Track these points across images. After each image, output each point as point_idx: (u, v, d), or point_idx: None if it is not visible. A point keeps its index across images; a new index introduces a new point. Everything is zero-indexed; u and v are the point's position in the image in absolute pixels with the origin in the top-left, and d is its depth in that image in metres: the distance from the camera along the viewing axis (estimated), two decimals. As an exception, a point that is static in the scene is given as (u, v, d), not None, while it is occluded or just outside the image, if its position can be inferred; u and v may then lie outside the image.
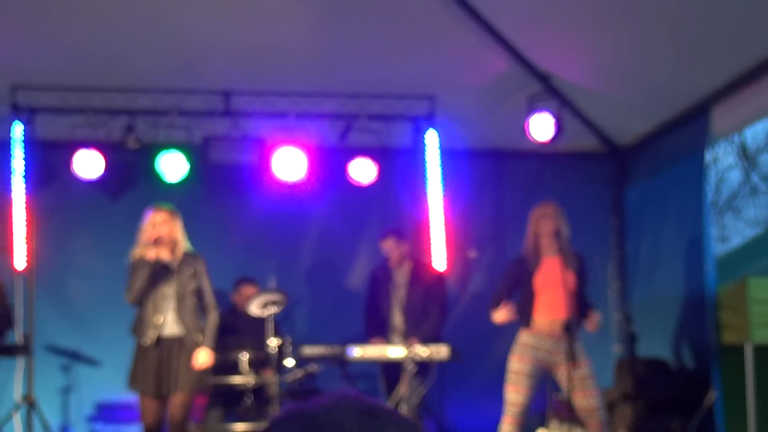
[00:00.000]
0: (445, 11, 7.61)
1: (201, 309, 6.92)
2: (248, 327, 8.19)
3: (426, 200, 8.59)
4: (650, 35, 7.13)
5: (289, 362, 7.98)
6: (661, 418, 7.53)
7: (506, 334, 7.27)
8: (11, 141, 8.24)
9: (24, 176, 8.29)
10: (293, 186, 8.46)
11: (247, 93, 8.27)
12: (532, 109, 8.10)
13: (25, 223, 8.26)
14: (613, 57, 7.74)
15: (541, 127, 8.08)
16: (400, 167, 8.72)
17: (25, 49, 7.90)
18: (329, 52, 7.99)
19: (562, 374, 7.05)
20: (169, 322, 6.76)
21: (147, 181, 8.48)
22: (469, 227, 8.74)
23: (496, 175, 8.87)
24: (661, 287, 8.38)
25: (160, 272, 6.76)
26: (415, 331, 8.01)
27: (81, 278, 8.64)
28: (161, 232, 6.77)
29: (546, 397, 7.59)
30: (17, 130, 8.20)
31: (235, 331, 8.08)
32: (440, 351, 7.83)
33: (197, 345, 6.80)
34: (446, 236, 8.56)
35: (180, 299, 6.79)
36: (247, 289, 8.38)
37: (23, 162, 8.29)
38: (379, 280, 8.41)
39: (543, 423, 7.41)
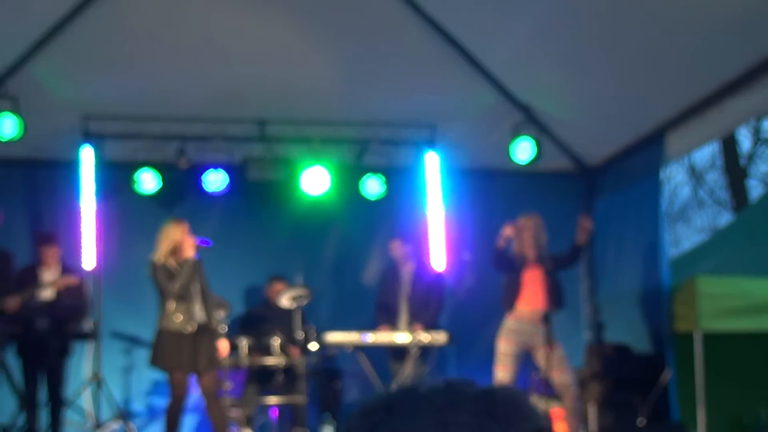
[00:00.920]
0: (444, 54, 7.65)
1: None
2: (279, 316, 8.19)
3: (427, 211, 8.62)
4: (614, 74, 7.15)
5: (313, 346, 8.00)
6: (624, 393, 7.52)
7: (494, 323, 7.29)
8: (82, 162, 8.24)
9: (93, 191, 8.30)
10: (317, 199, 8.49)
11: (279, 122, 8.28)
12: (515, 135, 8.10)
13: (94, 230, 8.30)
14: (584, 92, 7.75)
15: (523, 150, 8.09)
16: (406, 183, 8.71)
17: (96, 85, 7.91)
18: (348, 87, 8.01)
19: (540, 355, 7.09)
20: (197, 312, 6.86)
21: (195, 195, 8.49)
22: (463, 234, 8.73)
23: (485, 191, 8.85)
24: (624, 284, 8.39)
25: (187, 270, 6.85)
26: (418, 320, 8.04)
27: (140, 276, 8.60)
28: (190, 239, 6.90)
29: (528, 375, 7.63)
30: (88, 153, 8.23)
31: (267, 320, 8.10)
32: (439, 337, 7.87)
33: (216, 330, 6.97)
34: (444, 241, 8.59)
35: (203, 293, 6.90)
36: (277, 285, 8.40)
37: (92, 179, 8.29)
38: (388, 277, 8.44)
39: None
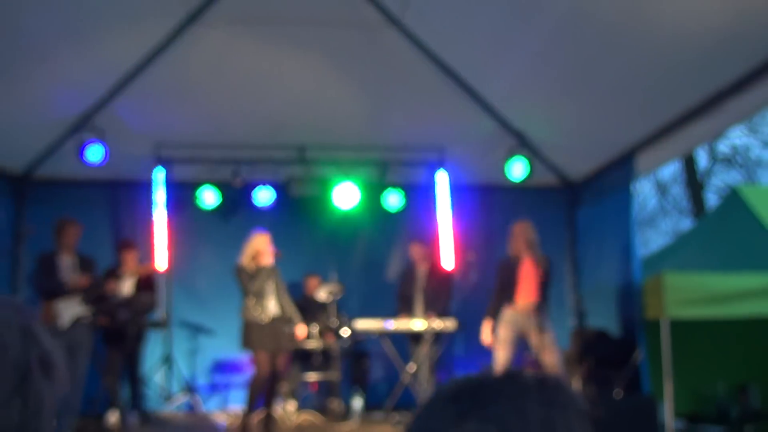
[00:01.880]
0: (450, 89, 7.67)
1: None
2: (316, 307, 8.24)
3: (438, 219, 8.61)
4: (593, 104, 7.14)
5: (345, 332, 8.03)
6: (603, 370, 7.50)
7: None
8: (155, 182, 8.34)
9: (164, 206, 8.38)
10: (347, 211, 8.51)
11: (315, 147, 8.28)
12: (510, 156, 8.10)
13: (165, 238, 8.37)
14: (568, 119, 7.73)
15: (517, 169, 8.08)
16: (420, 197, 8.70)
17: (166, 118, 8.00)
18: (371, 118, 8.02)
19: (533, 339, 7.09)
20: (274, 306, 6.89)
21: (247, 209, 8.52)
22: (468, 238, 8.73)
23: (486, 203, 8.83)
24: (603, 279, 8.36)
25: (265, 273, 6.90)
26: (432, 310, 8.05)
27: (202, 275, 8.68)
28: (269, 248, 6.95)
29: (522, 356, 7.62)
30: (159, 174, 8.31)
31: (307, 310, 8.11)
32: (449, 324, 7.88)
33: (289, 320, 7.00)
34: (452, 244, 8.59)
35: (277, 290, 6.94)
36: (313, 281, 8.46)
37: (163, 196, 8.36)
38: (407, 274, 8.46)
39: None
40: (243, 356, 7.92)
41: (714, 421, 7.92)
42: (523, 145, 8.25)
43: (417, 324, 7.94)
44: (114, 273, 7.60)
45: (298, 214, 8.62)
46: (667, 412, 6.68)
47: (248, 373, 7.51)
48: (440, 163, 8.51)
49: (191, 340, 8.41)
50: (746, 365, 8.15)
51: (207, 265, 8.63)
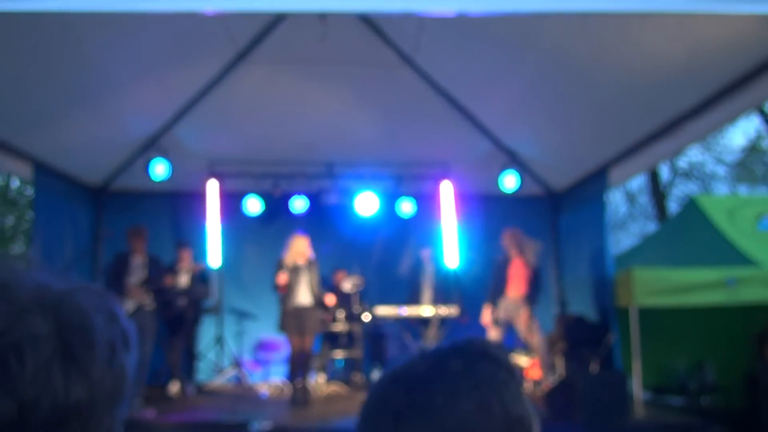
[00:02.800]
0: (453, 115, 7.71)
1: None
2: (343, 297, 8.24)
3: (444, 223, 8.60)
4: (573, 127, 7.14)
5: (367, 317, 8.05)
6: (581, 350, 7.47)
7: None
8: (208, 192, 8.37)
9: (216, 212, 8.41)
10: (368, 217, 8.54)
11: (341, 163, 8.31)
12: (503, 170, 8.11)
13: (217, 239, 8.42)
14: (552, 140, 7.74)
15: (509, 181, 8.10)
16: (429, 204, 8.73)
17: (217, 140, 8.07)
18: (388, 139, 8.03)
19: (520, 324, 7.12)
20: (304, 297, 6.88)
21: (285, 215, 8.52)
22: (468, 240, 8.72)
23: (483, 210, 8.79)
24: (581, 273, 8.34)
25: (299, 269, 6.91)
26: (438, 299, 8.07)
27: (248, 270, 8.70)
28: (306, 249, 6.96)
29: (512, 338, 7.63)
30: (213, 186, 8.35)
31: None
32: (452, 311, 7.89)
33: (318, 308, 6.96)
34: (455, 245, 8.57)
35: (311, 283, 6.92)
36: (340, 275, 8.46)
37: (216, 204, 8.37)
38: (417, 270, 8.45)
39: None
40: (280, 337, 7.97)
41: (675, 392, 7.91)
42: (514, 161, 8.26)
43: (426, 310, 7.96)
44: (173, 269, 7.67)
45: (327, 219, 8.62)
46: (636, 385, 6.67)
47: (285, 351, 7.55)
48: (445, 176, 8.49)
49: (238, 324, 8.42)
50: (702, 345, 8.14)
51: (252, 262, 8.65)
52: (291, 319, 6.77)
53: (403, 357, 0.84)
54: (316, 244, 7.23)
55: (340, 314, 8.06)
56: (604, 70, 5.74)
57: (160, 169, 7.61)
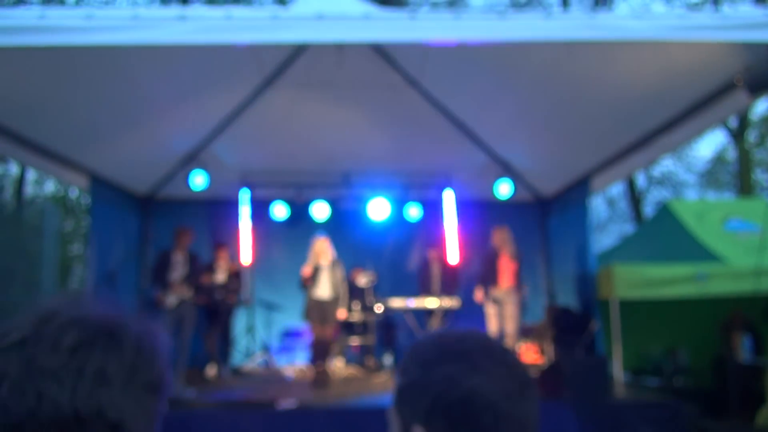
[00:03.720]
0: (454, 131, 7.68)
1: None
2: (358, 290, 8.22)
3: (446, 226, 8.59)
4: (559, 140, 7.12)
5: (379, 308, 8.04)
6: (567, 336, 7.44)
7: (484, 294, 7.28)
8: (241, 200, 8.39)
9: (248, 217, 8.43)
10: (380, 221, 8.53)
11: (356, 174, 8.30)
12: (498, 179, 8.10)
13: (249, 240, 8.42)
14: (541, 151, 7.69)
15: (504, 189, 8.08)
16: (433, 209, 8.72)
17: (249, 154, 8.06)
18: (397, 152, 8.00)
19: (506, 311, 7.11)
20: (327, 291, 6.87)
21: (308, 219, 8.52)
22: (468, 240, 8.71)
23: (480, 214, 8.77)
24: (567, 269, 8.31)
25: (321, 268, 6.90)
26: (443, 292, 8.04)
27: (276, 267, 8.72)
28: (327, 249, 6.94)
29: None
30: (245, 194, 8.36)
31: (352, 292, 8.11)
32: (455, 302, 7.85)
33: (338, 302, 6.95)
34: (457, 245, 8.56)
35: (331, 280, 6.91)
36: (356, 272, 8.46)
37: (248, 210, 8.40)
38: (424, 266, 8.44)
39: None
40: (304, 326, 7.97)
41: (652, 374, 7.84)
42: (508, 171, 8.24)
43: (431, 302, 7.93)
44: (211, 267, 7.70)
45: (344, 223, 8.63)
46: (617, 368, 6.63)
47: (308, 338, 7.55)
48: (447, 184, 8.48)
49: (267, 314, 8.44)
50: (675, 333, 8.07)
51: (279, 260, 8.66)
52: (314, 310, 6.77)
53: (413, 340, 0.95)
54: (335, 245, 7.24)
55: (356, 306, 8.04)
56: (586, 90, 5.72)
57: (199, 180, 7.63)
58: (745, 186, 15.99)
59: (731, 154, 18.60)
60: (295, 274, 7.26)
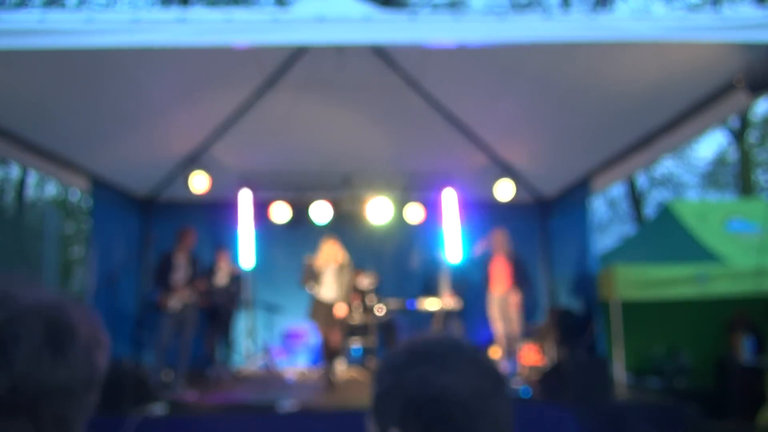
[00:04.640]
0: (455, 133, 7.67)
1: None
2: (360, 292, 8.25)
3: (447, 227, 8.58)
4: (560, 141, 7.12)
5: (380, 309, 8.04)
6: (570, 337, 7.46)
7: (486, 297, 7.29)
8: (241, 202, 8.32)
9: (248, 219, 8.33)
10: (381, 221, 8.50)
11: (357, 176, 8.28)
12: (498, 180, 8.07)
13: (249, 243, 8.37)
14: (541, 153, 7.71)
15: (504, 191, 8.07)
16: (434, 210, 8.68)
17: (249, 156, 8.04)
18: (398, 153, 8.01)
19: (510, 313, 7.10)
20: (331, 292, 6.87)
21: (308, 221, 8.49)
22: (468, 240, 8.68)
23: (481, 215, 8.72)
24: (569, 270, 8.32)
25: (333, 268, 6.89)
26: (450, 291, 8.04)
27: (276, 269, 8.71)
28: (336, 252, 6.94)
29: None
30: (245, 195, 8.31)
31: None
32: (455, 303, 7.86)
33: (342, 302, 6.94)
34: (457, 245, 8.53)
35: (338, 281, 6.90)
36: (357, 273, 8.39)
37: (248, 212, 8.29)
38: (428, 266, 8.43)
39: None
40: (305, 327, 7.96)
41: (653, 375, 7.83)
42: (508, 172, 8.23)
43: (431, 303, 7.93)
44: (212, 269, 7.70)
45: (345, 224, 8.62)
46: (618, 369, 6.63)
47: (308, 340, 7.54)
48: (448, 185, 8.43)
49: (268, 316, 8.45)
50: (677, 334, 8.07)
51: (280, 262, 8.64)
52: (319, 311, 6.80)
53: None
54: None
55: (357, 308, 8.04)
56: (587, 91, 5.72)
57: (199, 182, 7.61)
58: (745, 186, 15.99)
59: (732, 155, 18.60)
60: (295, 276, 7.25)
